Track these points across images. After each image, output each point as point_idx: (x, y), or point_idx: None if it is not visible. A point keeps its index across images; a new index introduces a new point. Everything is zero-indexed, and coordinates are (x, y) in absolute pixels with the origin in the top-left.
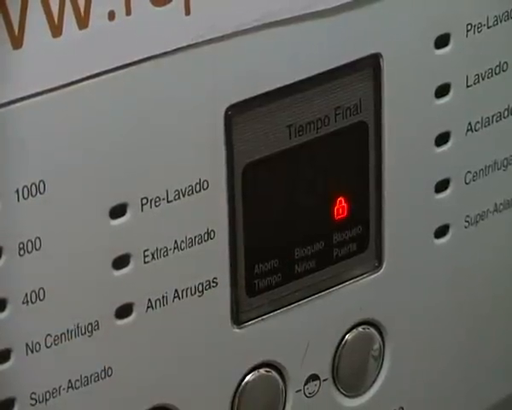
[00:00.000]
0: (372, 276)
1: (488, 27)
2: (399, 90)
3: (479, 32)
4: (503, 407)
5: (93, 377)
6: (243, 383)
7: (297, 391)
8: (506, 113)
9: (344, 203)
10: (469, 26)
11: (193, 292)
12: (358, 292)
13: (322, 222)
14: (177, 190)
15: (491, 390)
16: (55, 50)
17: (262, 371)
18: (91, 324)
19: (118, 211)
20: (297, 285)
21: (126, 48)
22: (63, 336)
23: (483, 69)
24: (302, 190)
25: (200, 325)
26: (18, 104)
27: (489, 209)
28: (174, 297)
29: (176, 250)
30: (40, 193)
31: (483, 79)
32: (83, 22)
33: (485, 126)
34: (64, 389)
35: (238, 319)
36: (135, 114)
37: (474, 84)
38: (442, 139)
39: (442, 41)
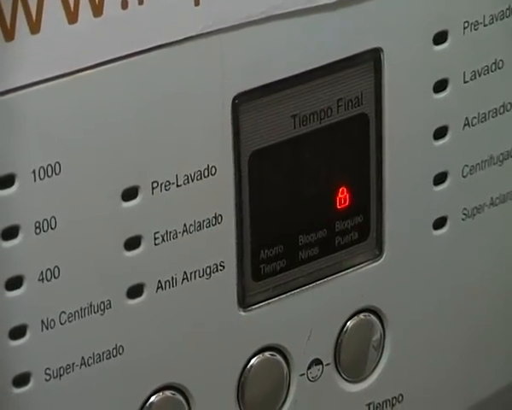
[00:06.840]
0: (373, 264)
1: (484, 26)
2: (399, 84)
3: (475, 29)
4: (502, 396)
5: (105, 355)
6: (248, 366)
7: (301, 375)
8: (502, 109)
9: (346, 193)
10: (466, 24)
11: (201, 275)
12: (359, 280)
13: (325, 210)
14: (186, 175)
15: (490, 379)
16: (70, 36)
17: (267, 354)
18: (104, 303)
19: (130, 193)
20: (301, 271)
21: (138, 36)
22: (77, 313)
23: (480, 66)
24: (305, 178)
25: (207, 306)
26: (35, 88)
27: (485, 203)
28: (183, 279)
29: (185, 233)
30: (56, 174)
31: (480, 76)
32: (97, 10)
33: (482, 122)
34: (77, 365)
35: (244, 302)
36: (146, 100)
37: (471, 80)
38: (440, 133)
39: (440, 37)
